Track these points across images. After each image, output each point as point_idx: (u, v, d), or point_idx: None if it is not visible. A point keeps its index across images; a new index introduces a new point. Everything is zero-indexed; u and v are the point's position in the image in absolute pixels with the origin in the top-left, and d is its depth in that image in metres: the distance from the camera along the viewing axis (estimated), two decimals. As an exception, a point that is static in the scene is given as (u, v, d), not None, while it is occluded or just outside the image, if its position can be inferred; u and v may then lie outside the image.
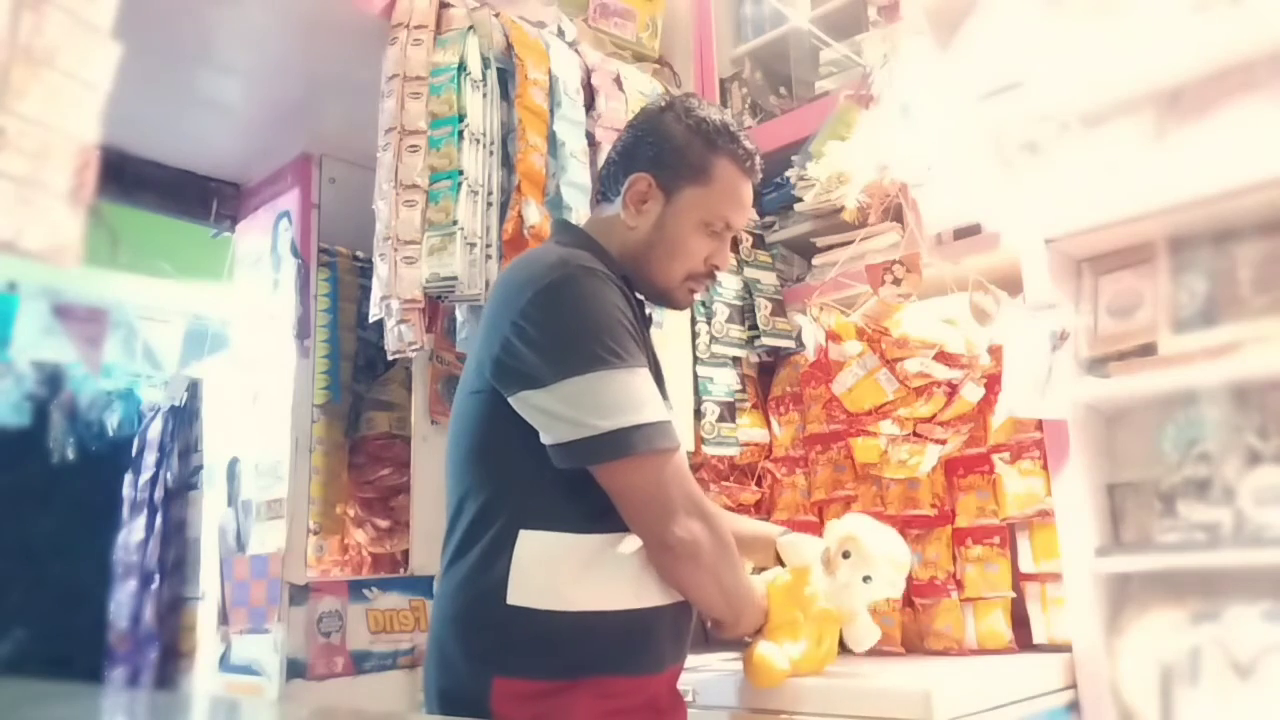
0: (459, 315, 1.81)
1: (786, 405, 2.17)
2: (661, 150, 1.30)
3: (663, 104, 1.36)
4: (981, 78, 1.79)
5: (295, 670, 1.97)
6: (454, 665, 1.18)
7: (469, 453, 1.23)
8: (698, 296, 1.43)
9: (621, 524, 1.18)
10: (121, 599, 2.66)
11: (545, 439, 1.16)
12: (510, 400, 1.18)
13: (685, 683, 1.58)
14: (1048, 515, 1.72)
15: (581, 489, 1.16)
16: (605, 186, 1.36)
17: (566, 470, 1.16)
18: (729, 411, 2.07)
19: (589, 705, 1.15)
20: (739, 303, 2.11)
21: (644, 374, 1.17)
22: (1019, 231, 1.76)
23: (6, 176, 0.63)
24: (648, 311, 1.39)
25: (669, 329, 1.98)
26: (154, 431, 2.76)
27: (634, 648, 1.20)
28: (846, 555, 1.39)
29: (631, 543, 1.19)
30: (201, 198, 2.46)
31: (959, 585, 1.85)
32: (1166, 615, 1.56)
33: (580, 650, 1.16)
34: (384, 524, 2.53)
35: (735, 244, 2.14)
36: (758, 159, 1.35)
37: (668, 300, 1.36)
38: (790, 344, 2.13)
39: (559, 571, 1.15)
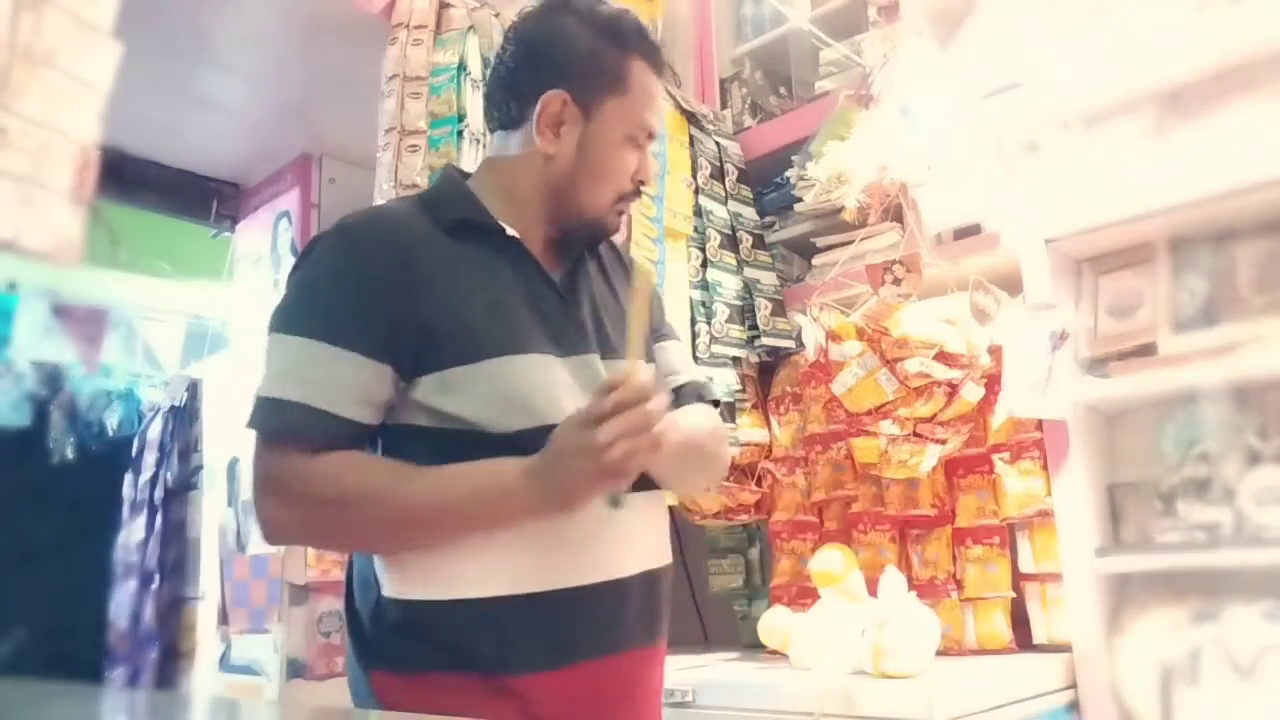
0: (459, 315, 1.81)
1: (786, 405, 2.16)
2: (571, 60, 1.10)
3: (554, 3, 1.14)
4: (981, 78, 1.79)
5: (295, 670, 1.97)
6: (350, 661, 1.10)
7: None
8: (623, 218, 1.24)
9: None
10: (121, 599, 2.67)
11: None
12: None
13: (685, 683, 1.59)
14: (1048, 515, 1.72)
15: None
16: (501, 113, 1.15)
17: (415, 451, 1.02)
18: (729, 411, 2.07)
19: (470, 701, 0.99)
20: (739, 303, 2.10)
21: (320, 347, 0.99)
22: (1019, 231, 1.76)
23: (7, 176, 0.64)
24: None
25: (669, 329, 1.98)
26: (154, 431, 2.76)
27: (517, 637, 1.01)
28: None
29: None
30: (201, 198, 2.47)
31: (959, 585, 1.85)
32: (1166, 615, 1.56)
33: (451, 640, 1.01)
34: (384, 524, 2.52)
35: (735, 242, 2.14)
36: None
37: (599, 228, 1.17)
38: (790, 344, 2.13)
39: (426, 558, 1.02)
